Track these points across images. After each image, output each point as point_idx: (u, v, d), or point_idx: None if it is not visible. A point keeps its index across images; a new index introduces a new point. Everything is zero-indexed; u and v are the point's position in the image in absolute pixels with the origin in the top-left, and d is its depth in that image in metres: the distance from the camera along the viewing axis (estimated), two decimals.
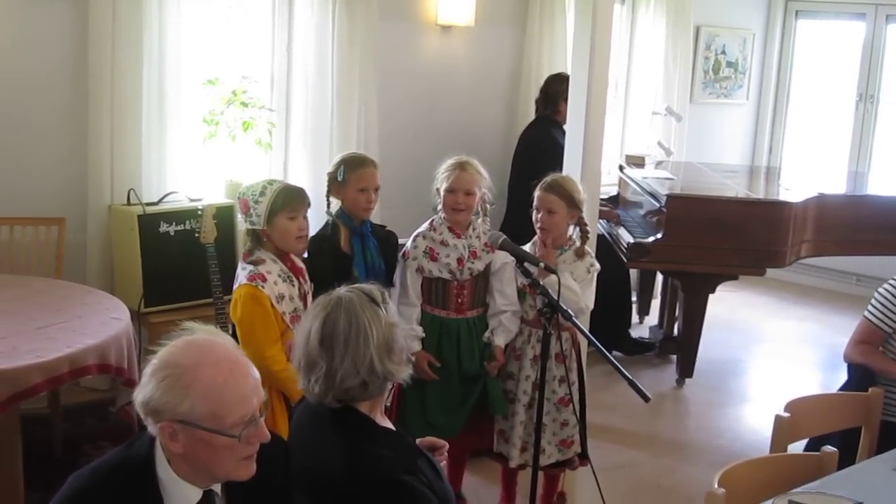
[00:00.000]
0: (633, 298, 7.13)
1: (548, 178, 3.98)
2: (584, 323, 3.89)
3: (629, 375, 3.08)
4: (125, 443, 2.10)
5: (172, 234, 4.80)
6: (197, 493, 2.06)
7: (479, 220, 4.00)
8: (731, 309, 7.52)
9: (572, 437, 4.01)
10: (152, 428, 2.00)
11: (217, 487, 2.11)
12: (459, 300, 3.94)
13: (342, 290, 2.30)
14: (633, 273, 7.04)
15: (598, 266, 4.01)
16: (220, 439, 1.99)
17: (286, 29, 5.62)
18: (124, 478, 2.02)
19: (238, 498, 2.14)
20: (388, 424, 2.38)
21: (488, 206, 4.04)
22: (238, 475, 2.06)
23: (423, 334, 3.91)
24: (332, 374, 2.21)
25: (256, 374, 2.09)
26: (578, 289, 3.83)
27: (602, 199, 6.60)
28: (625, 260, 5.84)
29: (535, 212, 3.96)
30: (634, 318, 7.12)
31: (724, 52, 8.53)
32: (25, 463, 3.67)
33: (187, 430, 1.97)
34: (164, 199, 4.97)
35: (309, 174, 5.58)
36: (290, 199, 3.41)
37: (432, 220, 3.99)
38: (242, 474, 2.06)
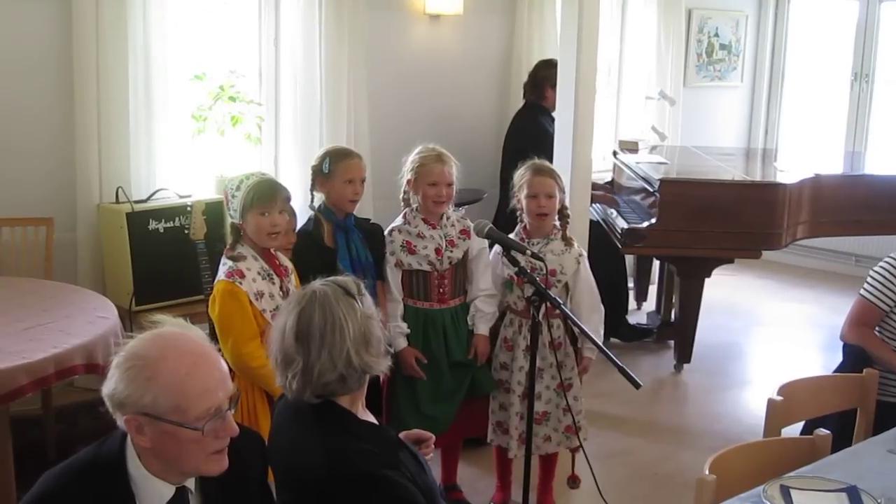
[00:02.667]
0: (630, 284, 7.10)
1: (535, 163, 3.97)
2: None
3: (619, 362, 3.05)
4: (98, 441, 2.07)
5: (162, 231, 4.77)
6: (169, 490, 2.04)
7: (452, 209, 3.98)
8: (729, 292, 7.48)
9: (579, 423, 3.99)
10: (120, 421, 1.98)
11: (191, 483, 2.09)
12: (441, 290, 3.91)
13: (317, 284, 2.27)
14: (630, 259, 7.01)
15: (584, 254, 4.01)
16: (185, 433, 1.96)
17: (273, 22, 5.58)
18: (95, 476, 1.99)
19: (213, 494, 2.12)
20: (370, 418, 2.35)
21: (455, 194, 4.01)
22: (208, 470, 2.04)
23: (408, 330, 3.89)
24: (309, 370, 2.18)
25: (224, 367, 2.07)
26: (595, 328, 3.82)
27: (597, 185, 6.59)
28: (619, 246, 5.81)
29: (529, 199, 3.92)
30: (632, 304, 7.09)
31: (717, 35, 8.49)
32: (18, 465, 3.65)
33: (152, 424, 1.95)
34: (153, 197, 4.95)
35: (299, 168, 5.54)
36: (262, 196, 3.34)
37: (405, 214, 3.96)
38: (213, 469, 2.04)
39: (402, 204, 3.97)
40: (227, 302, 3.27)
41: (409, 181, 3.90)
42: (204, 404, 1.98)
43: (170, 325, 2.06)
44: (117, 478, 2.00)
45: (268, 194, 3.36)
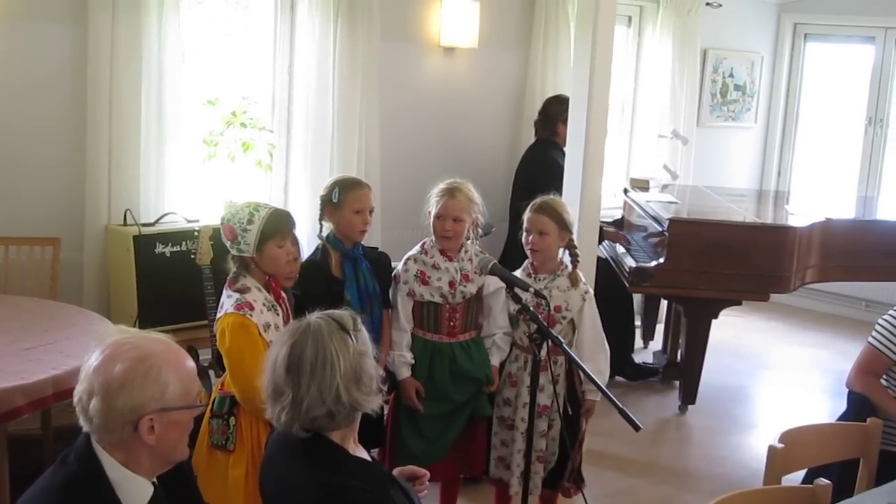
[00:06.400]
0: (637, 323, 7.07)
1: (537, 200, 3.95)
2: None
3: (620, 403, 3.03)
4: (56, 463, 2.12)
5: (168, 255, 4.76)
6: (149, 487, 2.12)
7: (470, 242, 3.95)
8: (737, 334, 7.45)
9: (552, 455, 3.95)
10: (121, 432, 2.03)
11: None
12: (451, 324, 3.88)
13: (312, 317, 2.26)
14: (638, 297, 6.97)
15: (591, 291, 3.97)
16: (187, 415, 2.13)
17: (287, 50, 5.60)
18: (80, 490, 2.03)
19: (167, 483, 2.20)
20: (362, 453, 2.33)
21: (481, 230, 3.99)
22: (186, 453, 2.19)
23: (413, 361, 3.86)
24: (298, 403, 2.17)
25: None
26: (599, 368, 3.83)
27: (607, 222, 6.58)
28: (627, 285, 5.78)
29: (524, 234, 3.93)
30: (639, 343, 7.06)
31: (731, 75, 8.49)
32: (16, 485, 3.61)
33: (163, 417, 2.06)
34: (161, 220, 4.94)
35: (309, 196, 5.53)
36: (280, 226, 3.35)
37: (423, 243, 3.94)
38: (186, 452, 2.20)
39: None
40: (238, 335, 3.20)
41: (428, 212, 3.89)
42: (197, 382, 2.17)
43: (121, 333, 2.17)
44: (102, 486, 2.05)
45: (286, 224, 3.37)
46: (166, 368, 2.07)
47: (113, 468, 2.05)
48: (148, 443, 2.04)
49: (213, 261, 4.15)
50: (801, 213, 6.27)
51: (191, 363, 2.16)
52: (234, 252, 3.34)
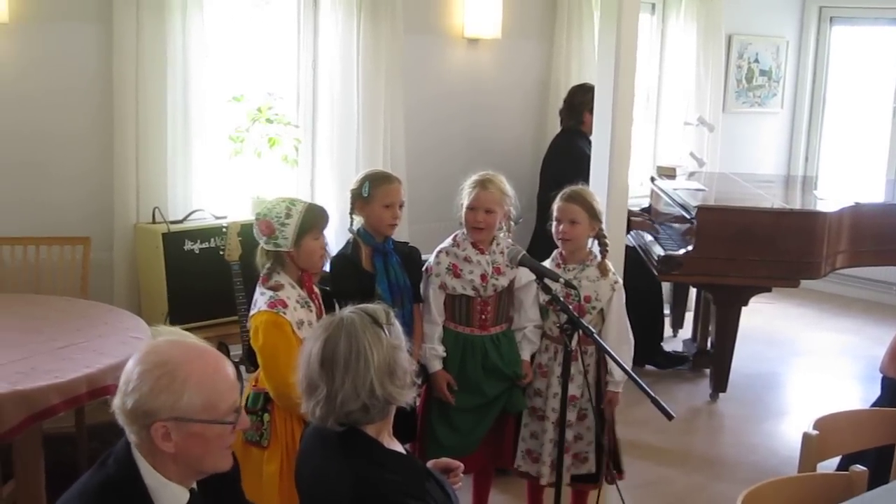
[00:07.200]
0: (666, 311, 7.04)
1: (567, 189, 3.94)
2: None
3: (652, 392, 3.02)
4: (95, 466, 2.11)
5: (197, 251, 4.79)
6: (185, 494, 2.10)
7: (503, 235, 3.94)
8: (767, 321, 7.40)
9: (585, 453, 3.95)
10: (138, 434, 2.02)
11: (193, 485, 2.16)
12: (483, 317, 3.88)
13: (346, 311, 2.26)
14: (666, 286, 6.94)
15: (620, 282, 3.96)
16: (213, 430, 2.05)
17: (311, 45, 5.61)
18: (116, 495, 2.02)
19: (211, 492, 2.19)
20: (397, 447, 2.33)
21: (513, 222, 3.98)
22: (224, 465, 2.14)
23: (445, 354, 3.86)
24: (332, 397, 2.17)
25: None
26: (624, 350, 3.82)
27: (637, 210, 6.57)
28: (656, 273, 5.76)
29: (555, 223, 3.91)
30: (668, 331, 7.03)
31: (757, 61, 8.42)
32: (51, 482, 3.65)
33: (181, 427, 2.01)
34: (189, 217, 4.98)
35: (335, 190, 5.56)
36: (317, 220, 3.37)
37: (455, 236, 3.93)
38: (226, 464, 2.15)
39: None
40: (271, 333, 3.21)
41: (461, 204, 3.89)
42: (230, 398, 2.09)
43: (170, 335, 2.14)
44: (137, 492, 2.04)
45: (322, 218, 3.40)
46: (186, 379, 2.01)
47: (149, 474, 2.05)
48: (165, 449, 2.02)
49: (242, 256, 4.17)
50: (830, 197, 6.22)
51: (225, 378, 2.09)
52: (269, 247, 3.33)
